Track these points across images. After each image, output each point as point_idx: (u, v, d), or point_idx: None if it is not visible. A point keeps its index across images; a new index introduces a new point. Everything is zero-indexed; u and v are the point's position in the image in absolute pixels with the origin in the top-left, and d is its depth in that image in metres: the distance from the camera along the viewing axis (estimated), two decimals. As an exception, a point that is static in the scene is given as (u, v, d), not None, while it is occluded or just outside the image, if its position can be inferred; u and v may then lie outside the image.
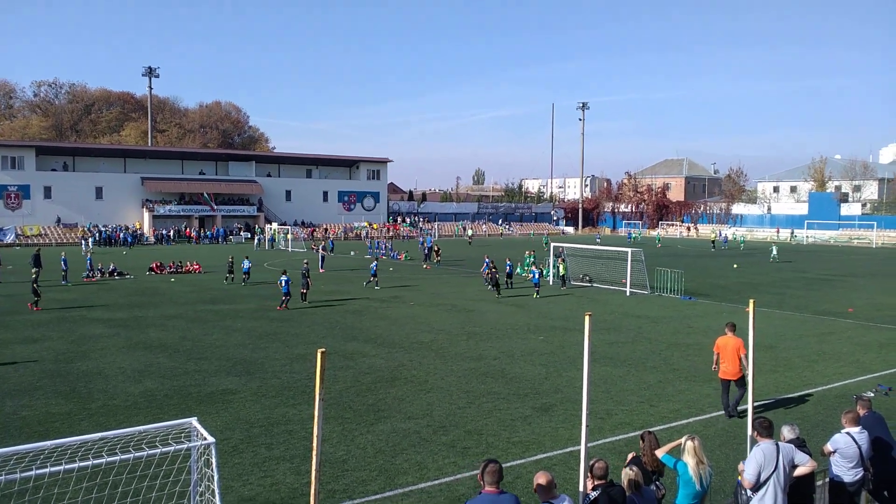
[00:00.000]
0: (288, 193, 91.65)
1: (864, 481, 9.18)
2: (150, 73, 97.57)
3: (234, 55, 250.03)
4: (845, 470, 8.90)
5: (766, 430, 7.82)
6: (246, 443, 12.66)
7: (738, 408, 14.43)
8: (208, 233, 79.56)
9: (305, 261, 34.42)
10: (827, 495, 9.10)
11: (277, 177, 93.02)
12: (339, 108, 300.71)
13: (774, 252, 58.27)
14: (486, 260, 37.59)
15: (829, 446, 9.07)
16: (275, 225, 76.95)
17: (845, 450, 8.88)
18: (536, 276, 34.29)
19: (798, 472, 7.82)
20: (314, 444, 5.16)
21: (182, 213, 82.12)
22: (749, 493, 7.71)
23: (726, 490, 9.99)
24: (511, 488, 10.43)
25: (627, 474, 7.31)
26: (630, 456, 8.23)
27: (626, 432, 13.15)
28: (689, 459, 7.65)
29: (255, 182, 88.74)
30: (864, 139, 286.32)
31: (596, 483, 6.98)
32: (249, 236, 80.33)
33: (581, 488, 6.96)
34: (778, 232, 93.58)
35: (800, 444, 8.51)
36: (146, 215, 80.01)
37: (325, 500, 10.22)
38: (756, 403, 14.40)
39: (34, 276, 28.88)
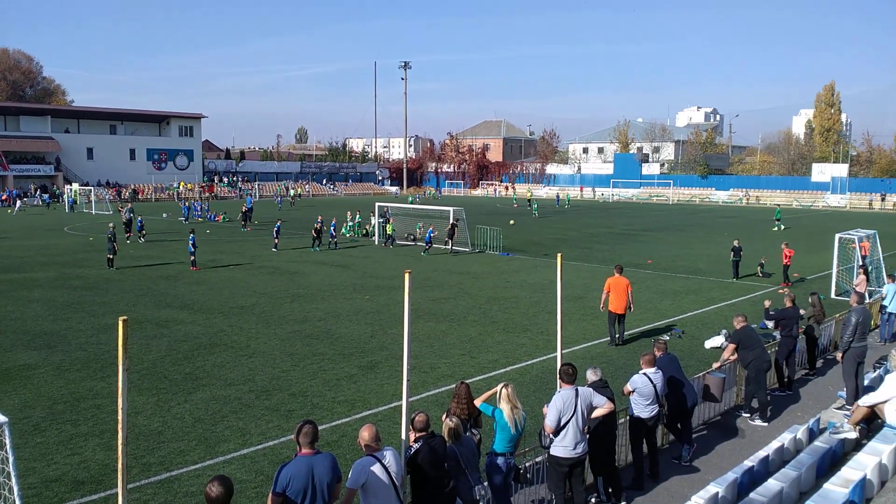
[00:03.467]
0: (90, 151, 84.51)
1: (660, 416, 10.12)
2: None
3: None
4: (642, 407, 9.75)
5: (569, 376, 8.35)
6: (49, 420, 11.71)
7: (623, 337, 17.05)
8: (13, 193, 71.48)
9: (111, 224, 32.04)
10: (627, 432, 9.95)
11: (77, 133, 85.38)
12: (146, 58, 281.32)
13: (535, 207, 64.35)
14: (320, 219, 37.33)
15: (628, 386, 9.88)
16: (76, 186, 70.81)
17: (642, 389, 9.73)
18: (430, 235, 35.37)
19: (596, 413, 8.45)
20: (119, 418, 4.84)
21: (-36, 173, 73.43)
22: (551, 436, 8.24)
23: (539, 432, 10.61)
24: (337, 446, 10.48)
25: (447, 424, 7.56)
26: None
27: (449, 384, 13.58)
28: (504, 406, 8.04)
29: (52, 139, 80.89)
30: (662, 103, 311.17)
31: (417, 435, 7.16)
32: (48, 199, 73.34)
33: (403, 440, 7.10)
34: (582, 190, 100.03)
35: (602, 384, 9.20)
36: (-81, 175, 70.75)
37: (140, 474, 9.72)
38: (567, 350, 15.44)
39: None
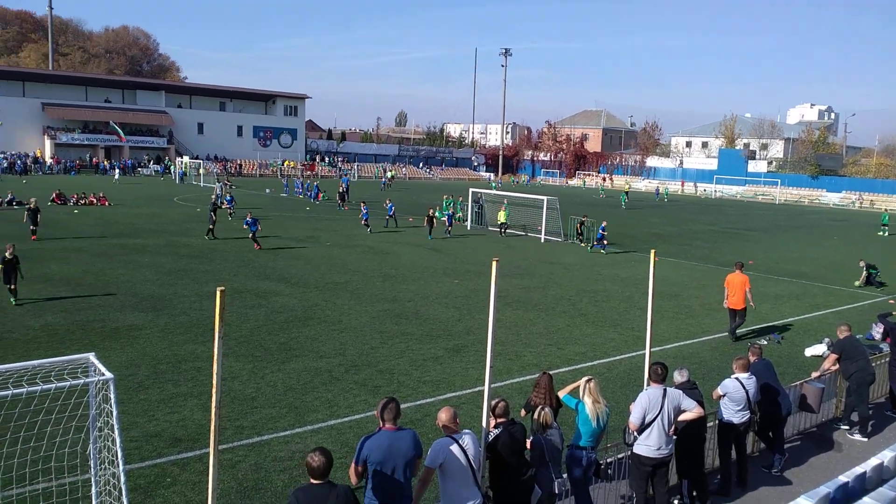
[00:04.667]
0: (200, 126, 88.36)
1: (751, 423, 9.79)
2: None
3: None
4: (733, 413, 9.45)
5: (658, 375, 8.19)
6: (152, 379, 12.41)
7: (738, 332, 17.40)
8: (115, 164, 75.93)
9: (214, 194, 33.60)
10: (716, 436, 9.68)
11: (189, 108, 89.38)
12: (255, 40, 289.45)
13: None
14: (364, 207, 37.29)
15: (718, 390, 9.60)
16: (186, 158, 74.20)
17: (734, 394, 9.42)
18: (450, 217, 35.58)
19: (683, 416, 8.25)
20: (214, 381, 5.10)
21: (87, 143, 78.10)
22: (635, 433, 8.12)
23: (623, 429, 10.47)
24: (420, 425, 10.66)
25: (539, 415, 7.55)
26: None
27: (533, 373, 13.52)
28: (587, 400, 7.97)
29: (166, 113, 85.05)
30: (773, 99, 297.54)
31: (498, 421, 7.20)
32: (159, 170, 77.17)
33: (483, 425, 7.16)
34: (683, 184, 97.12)
35: (690, 386, 8.97)
36: (48, 143, 75.74)
37: (233, 436, 10.19)
38: (658, 348, 15.12)
39: None
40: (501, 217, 36.98)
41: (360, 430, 10.55)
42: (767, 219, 58.16)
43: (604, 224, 32.44)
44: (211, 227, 29.92)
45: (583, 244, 33.31)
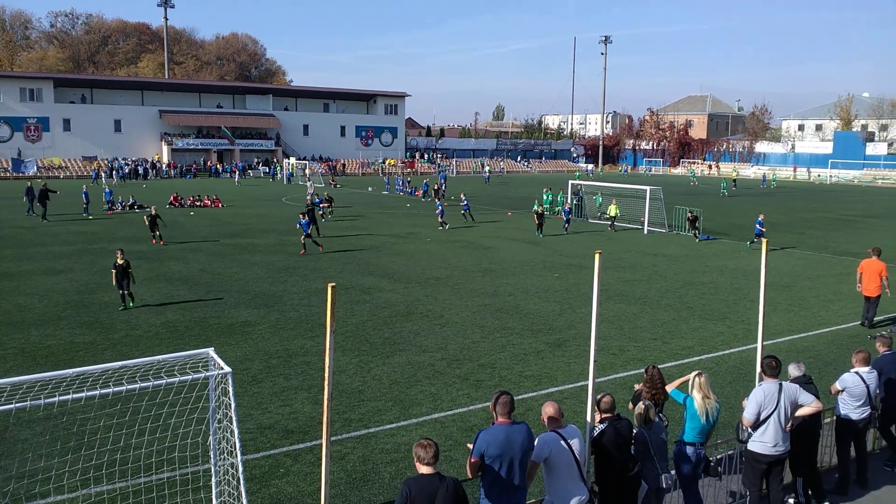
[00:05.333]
0: (305, 128, 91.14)
1: (872, 419, 9.27)
2: (166, 2, 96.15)
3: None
4: (852, 408, 8.99)
5: (773, 369, 7.85)
6: (265, 373, 12.97)
7: (875, 319, 17.04)
8: (227, 167, 79.50)
9: (313, 194, 34.64)
10: (834, 432, 9.23)
11: (294, 111, 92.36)
12: (355, 39, 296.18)
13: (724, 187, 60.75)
14: (463, 198, 38.11)
15: (836, 385, 9.13)
16: (293, 159, 76.77)
17: (853, 389, 8.95)
18: (567, 212, 34.77)
19: (802, 412, 7.92)
20: (326, 375, 5.30)
21: (201, 147, 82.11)
22: (749, 429, 7.84)
23: (734, 425, 10.13)
24: (523, 420, 10.69)
25: (639, 408, 7.42)
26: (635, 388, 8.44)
27: (638, 368, 13.29)
28: (696, 395, 7.75)
29: (273, 116, 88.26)
30: (893, 77, 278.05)
31: (603, 416, 7.13)
32: (268, 171, 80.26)
33: (588, 420, 7.10)
34: (795, 170, 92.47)
35: (806, 381, 8.58)
36: (165, 148, 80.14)
37: (342, 428, 10.52)
38: (770, 342, 14.52)
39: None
40: (612, 210, 35.76)
41: (464, 424, 10.69)
42: (888, 205, 54.63)
43: (760, 218, 29.93)
44: (308, 234, 28.35)
45: (697, 239, 31.74)
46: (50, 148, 74.63)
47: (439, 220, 34.38)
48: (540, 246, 29.43)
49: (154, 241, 28.15)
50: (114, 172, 67.46)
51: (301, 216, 28.03)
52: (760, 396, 7.76)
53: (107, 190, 39.85)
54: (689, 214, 32.93)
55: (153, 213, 28.64)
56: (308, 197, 40.15)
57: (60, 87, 78.73)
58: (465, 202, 37.94)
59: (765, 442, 7.76)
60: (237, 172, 72.43)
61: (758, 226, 29.70)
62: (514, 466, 6.12)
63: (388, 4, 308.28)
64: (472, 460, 6.14)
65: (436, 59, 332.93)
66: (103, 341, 14.81)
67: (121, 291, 17.63)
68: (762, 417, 7.73)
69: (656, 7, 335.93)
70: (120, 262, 17.47)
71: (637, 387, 8.64)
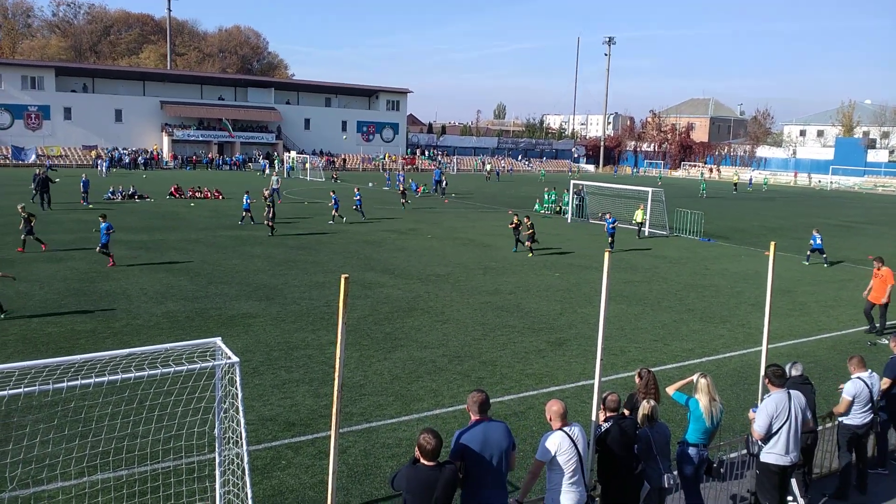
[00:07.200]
0: (307, 122, 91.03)
1: (873, 424, 9.27)
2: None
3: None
4: (856, 413, 8.98)
5: (779, 378, 7.78)
6: (266, 365, 12.96)
7: (885, 325, 17.35)
8: (227, 159, 79.38)
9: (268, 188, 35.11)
10: (836, 437, 9.22)
11: (296, 105, 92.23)
12: (358, 36, 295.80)
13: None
14: (357, 192, 36.64)
15: (846, 397, 8.96)
16: (293, 153, 76.65)
17: (861, 395, 8.92)
18: (610, 225, 29.17)
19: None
20: (336, 367, 5.29)
21: (201, 139, 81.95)
22: (760, 442, 7.78)
23: (736, 428, 10.16)
24: (524, 417, 10.73)
25: (644, 408, 7.41)
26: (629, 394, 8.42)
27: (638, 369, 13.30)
28: (701, 397, 7.74)
29: (274, 109, 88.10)
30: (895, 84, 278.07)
31: (608, 415, 7.12)
32: (269, 164, 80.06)
33: (593, 419, 7.10)
34: (796, 175, 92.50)
35: (802, 381, 8.59)
36: (165, 139, 79.98)
37: (343, 422, 10.48)
38: (771, 346, 14.51)
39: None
40: (639, 216, 33.47)
41: (465, 420, 10.63)
42: (890, 212, 54.68)
43: (815, 233, 27.10)
44: (268, 222, 29.18)
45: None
46: (50, 136, 74.46)
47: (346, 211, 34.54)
48: (540, 245, 29.37)
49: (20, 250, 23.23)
50: (100, 161, 64.39)
51: (246, 193, 33.14)
52: (772, 408, 7.67)
53: (84, 179, 38.30)
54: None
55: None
56: (265, 190, 39.58)
57: (62, 76, 78.59)
58: (359, 197, 36.31)
59: (779, 452, 7.66)
60: (266, 162, 73.37)
61: (816, 240, 26.87)
62: (495, 462, 6.09)
63: (392, 2, 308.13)
64: (452, 458, 6.09)
65: (438, 57, 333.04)
66: (104, 329, 14.78)
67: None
68: (774, 429, 7.65)
69: (660, 11, 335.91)
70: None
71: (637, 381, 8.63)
